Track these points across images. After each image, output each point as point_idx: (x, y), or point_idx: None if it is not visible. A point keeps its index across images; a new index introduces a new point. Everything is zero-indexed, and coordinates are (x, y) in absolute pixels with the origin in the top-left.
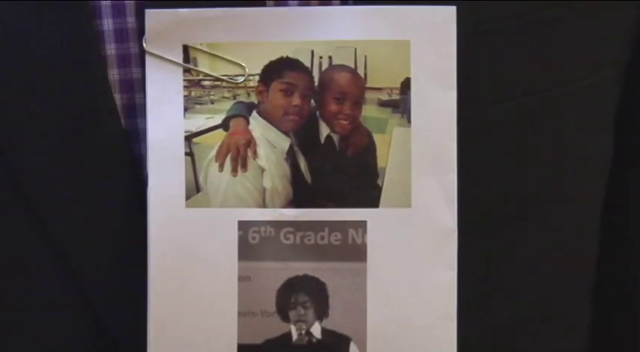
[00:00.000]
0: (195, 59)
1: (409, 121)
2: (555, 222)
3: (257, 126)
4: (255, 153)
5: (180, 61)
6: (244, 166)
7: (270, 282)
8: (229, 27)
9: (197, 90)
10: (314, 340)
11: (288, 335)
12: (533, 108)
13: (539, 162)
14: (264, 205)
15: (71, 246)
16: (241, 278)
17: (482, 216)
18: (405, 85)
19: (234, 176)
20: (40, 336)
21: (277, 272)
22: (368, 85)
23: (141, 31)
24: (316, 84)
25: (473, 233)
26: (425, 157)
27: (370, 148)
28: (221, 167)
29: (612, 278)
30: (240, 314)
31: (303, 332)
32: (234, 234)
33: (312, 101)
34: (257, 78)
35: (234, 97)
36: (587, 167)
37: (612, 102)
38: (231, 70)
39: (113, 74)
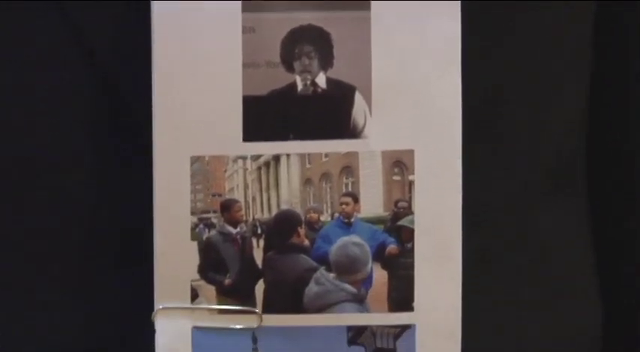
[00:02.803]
0: None
1: None
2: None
3: None
4: None
5: None
6: None
7: (274, 33)
8: None
9: None
10: (319, 90)
11: (293, 85)
12: None
13: None
14: None
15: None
16: (245, 30)
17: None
18: None
19: None
20: (43, 96)
21: (281, 22)
22: None
23: None
24: None
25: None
26: None
27: None
28: None
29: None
30: (244, 65)
31: (308, 82)
32: None
33: None
34: None
35: None
36: None
37: None
38: None
39: None
